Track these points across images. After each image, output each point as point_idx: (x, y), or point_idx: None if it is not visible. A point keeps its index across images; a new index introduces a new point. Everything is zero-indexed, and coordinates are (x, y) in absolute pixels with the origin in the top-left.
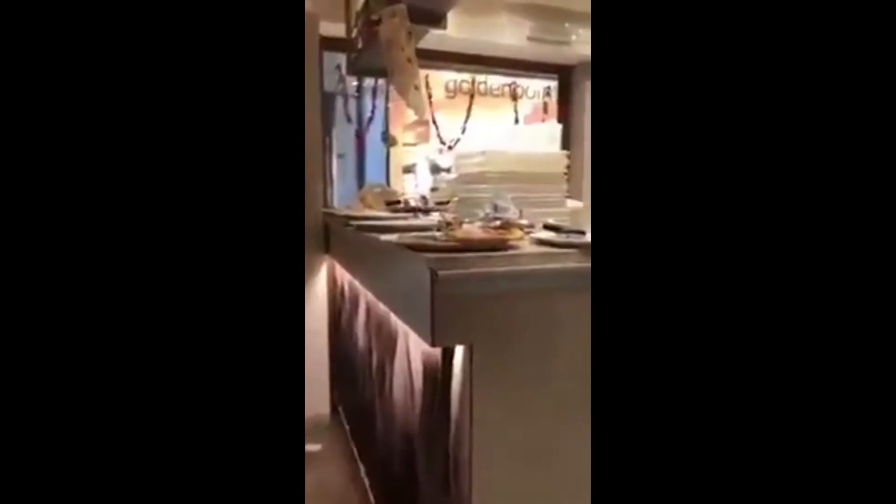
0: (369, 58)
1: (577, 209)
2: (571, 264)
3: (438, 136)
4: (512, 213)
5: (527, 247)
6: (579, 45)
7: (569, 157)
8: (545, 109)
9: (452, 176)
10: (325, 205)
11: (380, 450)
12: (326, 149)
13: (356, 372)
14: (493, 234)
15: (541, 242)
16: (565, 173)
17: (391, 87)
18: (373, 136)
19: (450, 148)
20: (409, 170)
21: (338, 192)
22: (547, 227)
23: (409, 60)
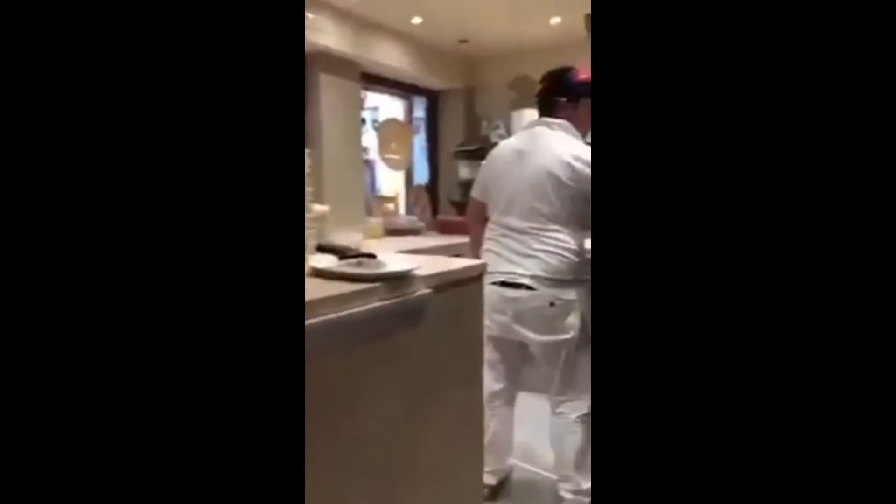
0: None
1: (323, 214)
2: (378, 303)
3: None
4: None
5: (309, 283)
6: (311, 31)
7: (309, 156)
8: None
9: None
10: None
11: None
12: None
13: None
14: None
15: (325, 275)
16: (308, 174)
17: None
18: None
19: None
20: None
21: None
22: (322, 248)
23: None
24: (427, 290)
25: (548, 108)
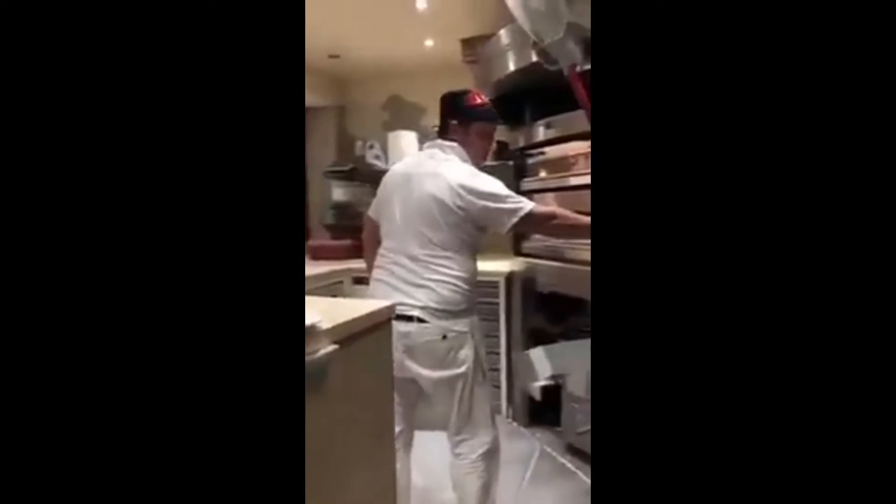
0: None
1: None
2: None
3: None
4: None
5: None
6: None
7: None
8: None
9: None
10: None
11: None
12: None
13: None
14: None
15: None
16: None
17: None
18: None
19: None
20: None
21: None
22: None
23: None
24: (332, 347)
25: (443, 130)
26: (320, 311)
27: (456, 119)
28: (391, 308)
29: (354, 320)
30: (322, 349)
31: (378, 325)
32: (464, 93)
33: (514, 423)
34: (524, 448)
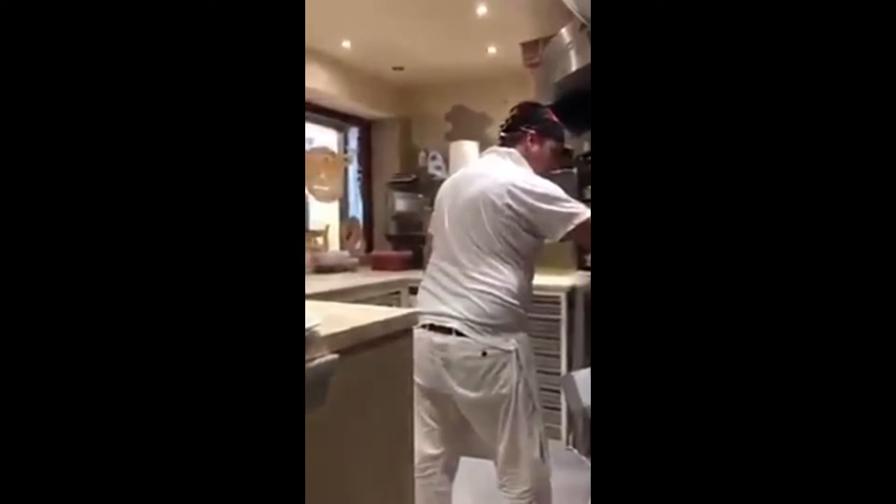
0: None
1: None
2: None
3: None
4: None
5: None
6: None
7: None
8: None
9: None
10: None
11: None
12: None
13: None
14: None
15: None
16: None
17: None
18: None
19: None
20: None
21: None
22: None
23: None
24: (331, 356)
25: (510, 138)
26: (327, 317)
27: (534, 129)
28: (409, 317)
29: (361, 328)
30: (319, 358)
31: (394, 335)
32: (543, 106)
33: (574, 451)
34: (584, 480)
